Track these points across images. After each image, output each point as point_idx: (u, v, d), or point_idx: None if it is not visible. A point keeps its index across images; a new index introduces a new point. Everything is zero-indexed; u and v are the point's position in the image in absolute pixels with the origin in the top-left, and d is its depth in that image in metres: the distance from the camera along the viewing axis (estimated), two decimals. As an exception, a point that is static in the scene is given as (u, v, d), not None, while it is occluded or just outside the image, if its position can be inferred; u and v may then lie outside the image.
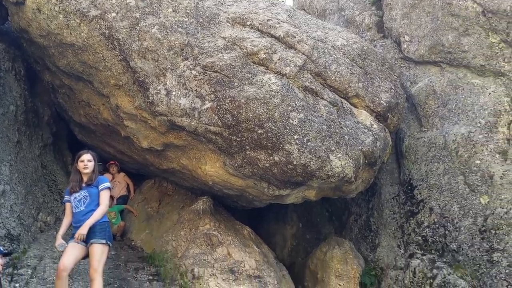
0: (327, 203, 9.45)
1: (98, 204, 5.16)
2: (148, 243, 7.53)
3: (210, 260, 6.43)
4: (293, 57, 6.71)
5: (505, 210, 6.50)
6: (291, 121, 6.19)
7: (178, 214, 7.54)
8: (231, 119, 6.06)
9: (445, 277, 6.77)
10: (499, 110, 7.12)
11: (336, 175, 6.41)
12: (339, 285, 7.50)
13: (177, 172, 7.32)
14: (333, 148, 6.40)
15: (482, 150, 7.03)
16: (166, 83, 6.39)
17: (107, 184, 5.31)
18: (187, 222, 7.12)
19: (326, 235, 9.01)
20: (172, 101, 6.30)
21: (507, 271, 6.26)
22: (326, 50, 7.17)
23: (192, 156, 6.76)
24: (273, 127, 6.10)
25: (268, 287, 6.12)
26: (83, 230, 4.95)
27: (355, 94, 7.10)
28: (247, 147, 6.20)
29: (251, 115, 6.03)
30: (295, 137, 6.16)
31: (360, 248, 8.38)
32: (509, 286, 6.18)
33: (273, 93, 6.22)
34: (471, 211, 6.94)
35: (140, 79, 6.47)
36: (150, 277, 6.35)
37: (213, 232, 6.77)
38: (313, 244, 8.83)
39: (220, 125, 6.13)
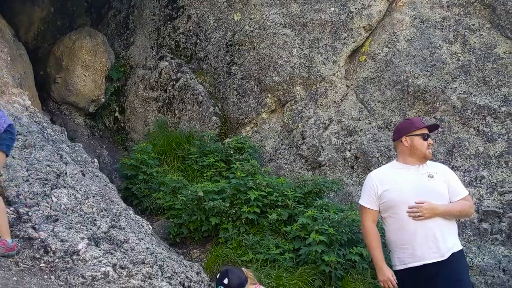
0: (87, -8, 8.66)
1: None
2: None
3: None
4: None
5: (251, 29, 7.06)
6: None
7: None
8: None
9: (187, 81, 7.28)
10: None
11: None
12: (84, 75, 7.32)
13: None
14: None
15: (247, -32, 7.24)
16: None
17: None
18: None
19: (81, 25, 8.41)
20: None
21: (239, 82, 7.08)
22: None
23: None
24: None
25: (-3, 63, 5.51)
26: None
27: None
28: None
29: None
30: None
31: (113, 44, 8.18)
32: (237, 95, 7.06)
33: None
34: (223, 25, 7.34)
35: None
36: None
37: None
38: (63, 33, 8.16)
39: None
